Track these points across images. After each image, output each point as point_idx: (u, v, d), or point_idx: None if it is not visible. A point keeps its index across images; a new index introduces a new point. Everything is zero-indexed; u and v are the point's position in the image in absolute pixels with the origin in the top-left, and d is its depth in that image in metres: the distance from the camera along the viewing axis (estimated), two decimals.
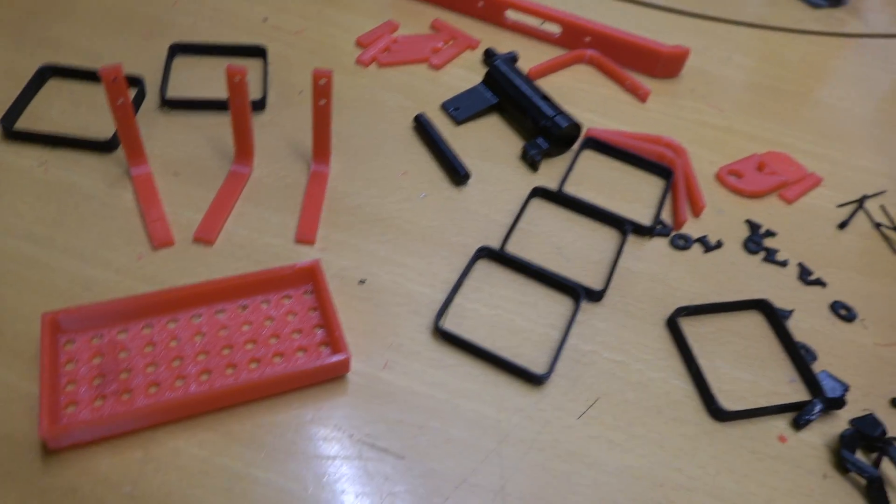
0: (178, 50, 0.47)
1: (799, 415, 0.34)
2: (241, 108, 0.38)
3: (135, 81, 0.43)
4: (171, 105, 0.43)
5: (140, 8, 0.50)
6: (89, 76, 0.43)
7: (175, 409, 0.30)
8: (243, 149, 0.40)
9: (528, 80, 0.47)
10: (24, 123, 0.40)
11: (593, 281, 0.39)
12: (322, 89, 0.38)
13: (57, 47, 0.46)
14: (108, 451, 0.29)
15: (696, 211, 0.44)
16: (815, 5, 0.69)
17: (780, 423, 0.34)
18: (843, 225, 0.45)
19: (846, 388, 0.36)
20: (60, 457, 0.28)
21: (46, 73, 0.43)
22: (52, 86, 0.43)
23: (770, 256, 0.42)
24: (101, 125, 0.41)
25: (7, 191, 0.37)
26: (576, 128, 0.45)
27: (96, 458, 0.28)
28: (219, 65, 0.47)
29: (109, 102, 0.36)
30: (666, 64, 0.53)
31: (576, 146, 0.46)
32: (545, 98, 0.46)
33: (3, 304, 0.33)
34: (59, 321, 0.31)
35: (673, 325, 0.37)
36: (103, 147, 0.40)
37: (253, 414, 0.31)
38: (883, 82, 0.60)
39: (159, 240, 0.36)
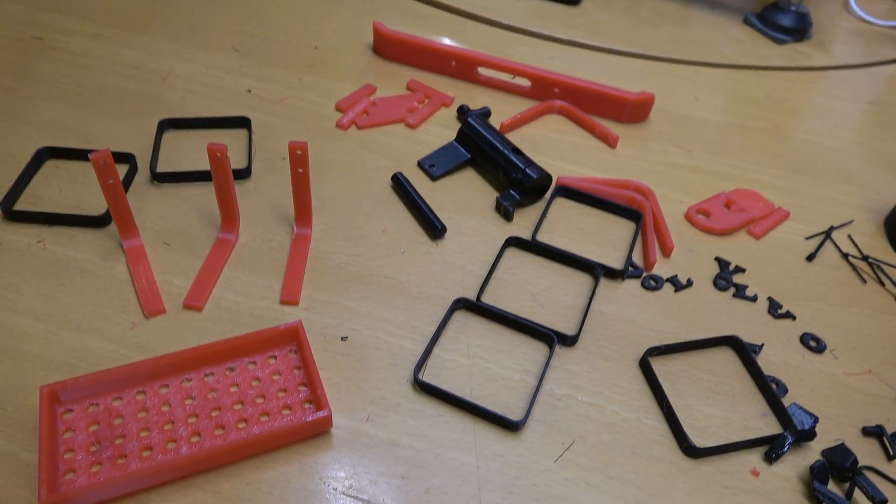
0: (167, 125, 0.49)
1: (770, 448, 0.35)
2: (224, 181, 0.40)
3: (126, 158, 0.46)
4: (161, 178, 0.46)
5: (131, 86, 0.53)
6: (84, 155, 0.46)
7: (168, 472, 0.31)
8: (228, 217, 0.42)
9: (499, 134, 0.50)
10: (23, 204, 0.43)
11: (568, 326, 0.40)
12: (299, 159, 0.40)
13: (53, 129, 0.49)
14: None
15: (666, 252, 0.46)
16: (780, 41, 0.72)
17: (753, 458, 0.35)
18: (811, 257, 0.47)
19: (816, 420, 0.37)
20: None
21: (44, 155, 0.46)
22: (50, 166, 0.46)
23: (740, 292, 0.44)
24: (97, 201, 0.44)
25: (7, 269, 0.39)
26: (547, 178, 0.47)
27: None
28: (206, 137, 0.50)
29: (100, 183, 0.38)
30: (633, 110, 0.56)
31: (548, 194, 0.48)
32: (516, 151, 0.48)
33: (4, 378, 0.34)
34: (56, 393, 0.32)
35: (645, 366, 0.38)
36: (97, 222, 0.42)
37: (242, 472, 0.32)
38: (849, 113, 0.62)
39: (151, 309, 0.38)
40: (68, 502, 0.29)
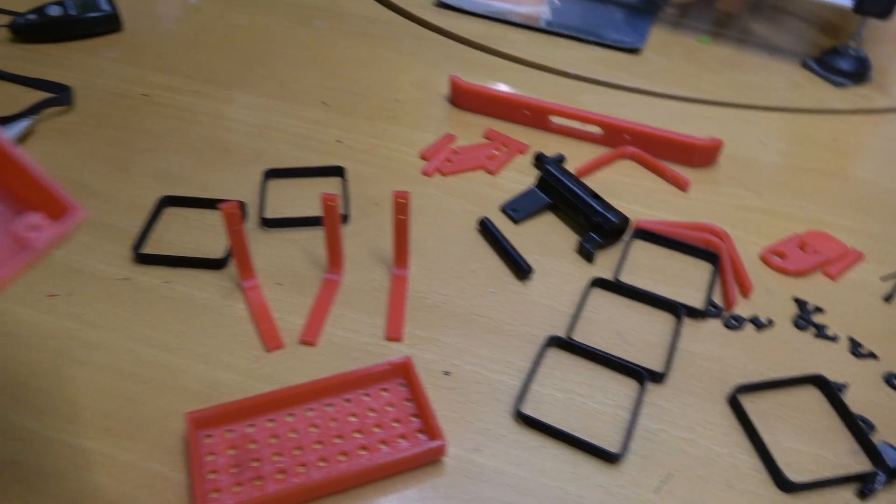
0: (271, 174, 0.54)
1: (863, 485, 0.37)
2: (334, 227, 0.44)
3: (239, 205, 0.50)
4: (269, 224, 0.50)
5: (234, 138, 0.58)
6: (199, 203, 0.50)
7: (301, 494, 0.34)
8: (335, 259, 0.46)
9: (577, 180, 0.53)
10: (149, 248, 0.47)
11: (654, 363, 0.43)
12: (401, 207, 0.44)
13: (168, 178, 0.53)
14: None
15: (745, 292, 0.48)
16: (839, 84, 0.74)
17: (846, 494, 0.37)
18: (888, 298, 0.48)
19: None
20: None
21: (164, 203, 0.50)
22: (169, 213, 0.50)
23: (820, 332, 0.45)
24: (212, 244, 0.48)
25: (142, 308, 0.43)
26: (626, 221, 0.50)
27: None
28: (306, 184, 0.54)
29: (227, 230, 0.42)
30: (702, 155, 0.58)
31: (626, 237, 0.51)
32: (595, 196, 0.51)
33: (147, 405, 0.38)
34: (199, 419, 0.36)
35: (734, 402, 0.40)
36: (217, 265, 0.46)
37: (365, 496, 0.35)
38: None
39: (272, 344, 0.42)
40: None
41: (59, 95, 0.59)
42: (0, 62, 0.64)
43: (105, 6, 0.70)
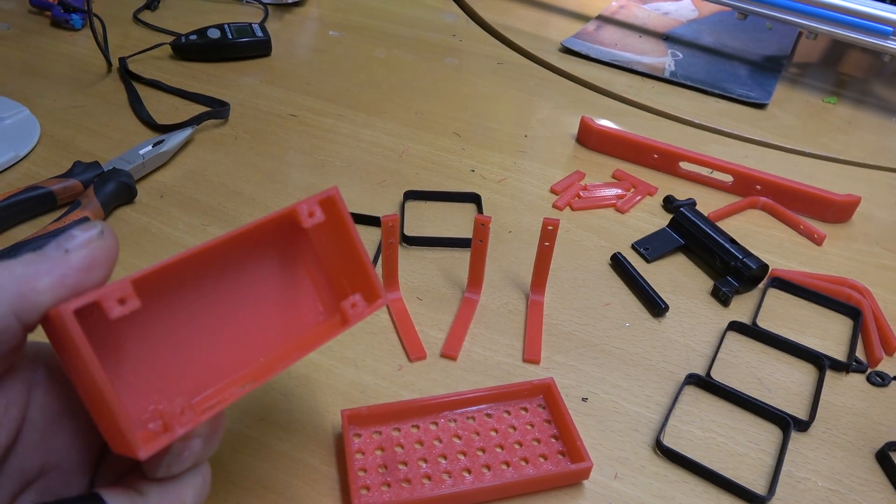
0: (410, 195, 0.56)
1: None
2: (481, 248, 0.46)
3: (378, 222, 0.53)
4: (410, 242, 0.52)
5: (373, 160, 0.61)
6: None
7: (447, 500, 0.35)
8: (475, 280, 0.47)
9: (713, 224, 0.53)
10: None
11: (796, 411, 0.42)
12: (549, 234, 0.45)
13: (314, 192, 0.56)
14: None
15: (889, 350, 0.46)
16: None
17: None
18: None
19: None
20: None
21: None
22: None
23: None
24: None
25: None
26: (764, 268, 0.50)
27: None
28: (443, 208, 0.56)
29: (383, 241, 0.44)
30: (838, 210, 0.58)
31: (762, 285, 0.51)
32: (732, 241, 0.51)
33: (300, 400, 0.40)
34: (353, 417, 0.38)
35: (883, 459, 0.39)
36: None
37: None
38: None
39: (415, 354, 0.43)
40: None
41: (218, 109, 0.64)
42: (162, 76, 0.70)
43: (259, 32, 0.76)
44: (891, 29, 0.71)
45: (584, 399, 0.42)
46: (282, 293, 0.33)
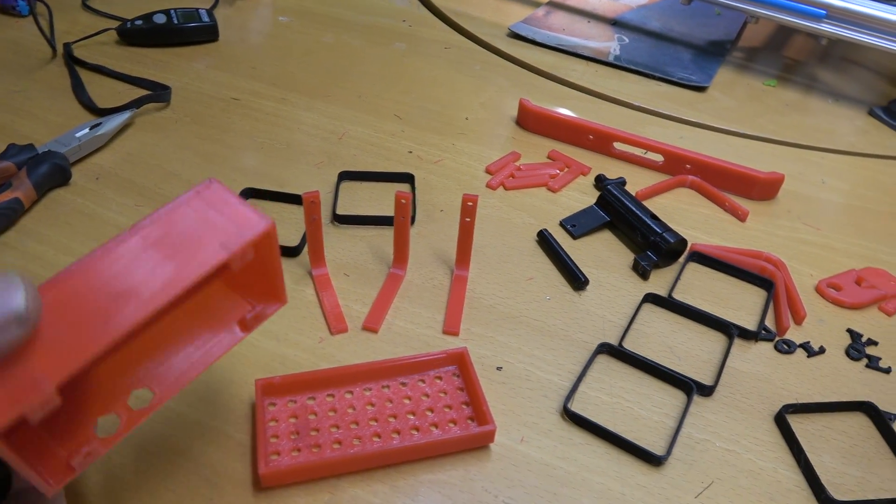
0: (344, 176, 0.57)
1: None
2: (404, 224, 0.47)
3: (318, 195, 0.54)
4: (340, 220, 0.53)
5: (313, 142, 0.62)
6: (278, 197, 0.54)
7: (354, 463, 0.36)
8: (400, 255, 0.49)
9: (637, 201, 0.54)
10: None
11: (704, 377, 0.43)
12: (469, 210, 0.46)
13: (251, 174, 0.57)
14: (302, 492, 0.35)
15: (798, 320, 0.48)
16: None
17: None
18: None
19: None
20: (267, 493, 0.35)
21: (247, 194, 0.54)
22: (251, 203, 0.54)
23: (873, 363, 0.45)
24: (288, 235, 0.51)
25: None
26: (682, 242, 0.52)
27: (293, 498, 0.35)
28: (376, 188, 0.57)
29: (305, 218, 0.45)
30: (762, 188, 0.59)
31: (682, 259, 0.52)
32: (653, 217, 0.53)
33: (219, 372, 0.41)
34: (266, 386, 0.39)
35: (781, 421, 0.41)
36: (291, 252, 0.49)
37: (414, 472, 0.37)
38: None
39: (336, 327, 0.44)
40: (276, 478, 0.35)
41: (159, 93, 0.65)
42: (107, 61, 0.71)
43: (206, 18, 0.76)
44: (824, 12, 0.73)
45: (499, 368, 0.43)
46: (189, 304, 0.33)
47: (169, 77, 0.70)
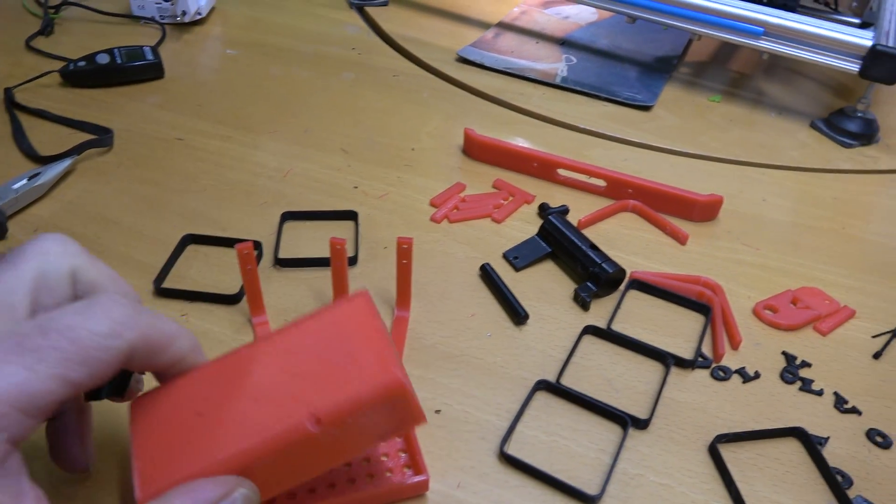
0: (287, 216, 0.57)
1: None
2: (340, 269, 0.47)
3: (255, 245, 0.54)
4: (283, 264, 0.53)
5: (258, 181, 0.62)
6: (219, 242, 0.54)
7: None
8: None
9: (577, 231, 0.55)
10: (169, 283, 0.51)
11: (640, 410, 0.44)
12: (405, 252, 0.47)
13: (194, 218, 0.57)
14: None
15: (734, 344, 0.49)
16: (846, 145, 0.75)
17: None
18: (877, 355, 0.49)
19: None
20: None
21: (187, 241, 0.54)
22: (191, 250, 0.54)
23: (806, 386, 0.46)
24: (230, 281, 0.51)
25: None
26: (621, 272, 0.52)
27: None
28: (320, 227, 0.57)
29: (241, 269, 0.45)
30: (702, 210, 0.60)
31: (622, 287, 0.53)
32: (593, 247, 0.53)
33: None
34: None
35: (714, 452, 0.42)
36: (230, 300, 0.49)
37: None
38: None
39: None
40: None
41: (101, 137, 0.64)
42: (50, 104, 0.70)
43: (150, 56, 0.76)
44: (762, 29, 0.74)
45: (438, 411, 0.43)
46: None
47: (113, 118, 0.69)
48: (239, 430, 0.30)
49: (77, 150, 0.62)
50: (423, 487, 0.38)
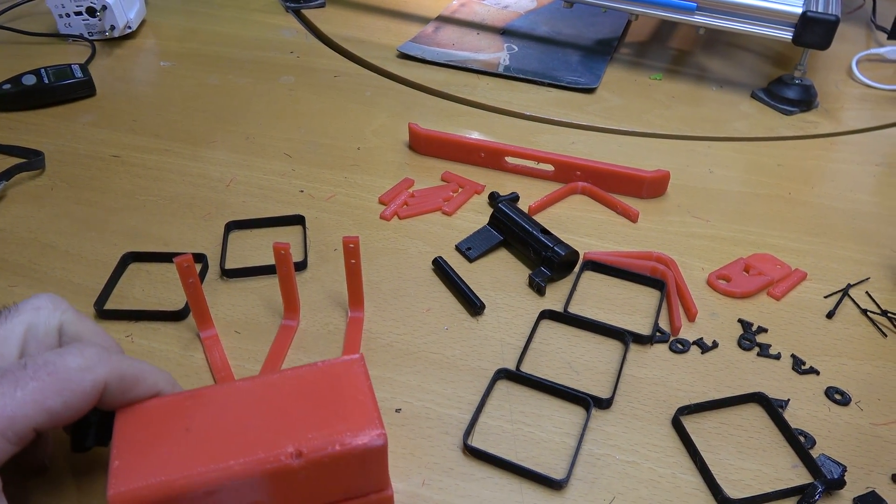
0: (232, 226, 0.56)
1: (802, 498, 0.38)
2: (287, 274, 0.46)
3: (199, 258, 0.52)
4: (229, 274, 0.51)
5: (199, 193, 0.60)
6: (162, 258, 0.52)
7: None
8: (290, 306, 0.47)
9: (528, 217, 0.55)
10: (112, 304, 0.49)
11: (602, 390, 0.44)
12: (352, 252, 0.45)
13: (134, 236, 0.55)
14: None
15: (691, 316, 0.49)
16: (787, 112, 0.76)
17: None
18: (830, 314, 0.50)
19: (844, 469, 0.39)
20: None
21: (128, 259, 0.52)
22: (133, 268, 0.52)
23: (763, 351, 0.47)
24: (175, 297, 0.49)
25: None
26: (574, 254, 0.52)
27: None
28: (267, 234, 0.56)
29: (182, 282, 0.44)
30: (651, 186, 0.61)
31: (576, 269, 0.53)
32: (544, 231, 0.53)
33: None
34: None
35: (677, 424, 0.41)
36: (176, 316, 0.48)
37: None
38: (859, 175, 0.66)
39: None
40: None
41: (31, 160, 0.62)
42: None
43: (79, 73, 0.73)
44: (694, 4, 0.75)
45: (398, 410, 0.42)
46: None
47: (43, 140, 0.66)
48: (223, 449, 0.31)
49: (6, 175, 0.60)
50: (388, 502, 0.37)
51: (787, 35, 0.73)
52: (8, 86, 0.71)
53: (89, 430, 0.35)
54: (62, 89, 0.72)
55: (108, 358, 0.31)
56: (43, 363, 0.29)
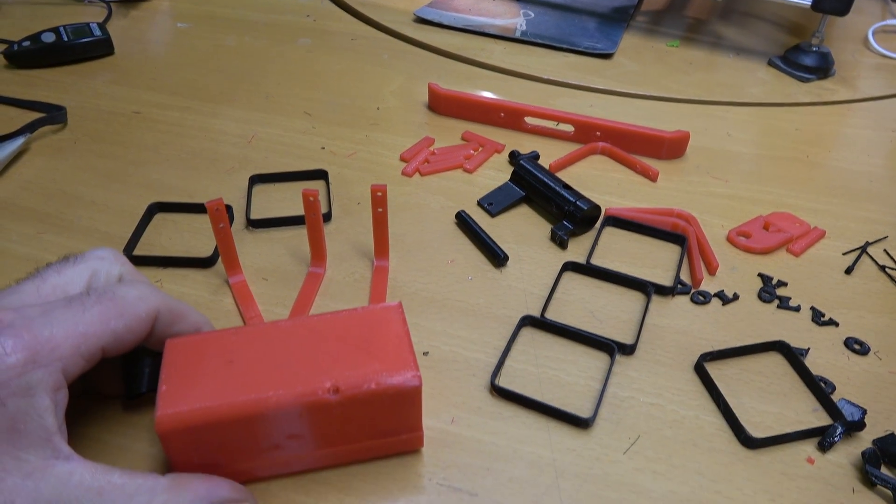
0: (256, 180, 0.56)
1: (823, 438, 0.38)
2: (315, 221, 0.46)
3: (226, 208, 0.52)
4: (255, 224, 0.52)
5: (221, 149, 0.61)
6: (188, 208, 0.53)
7: (288, 465, 0.36)
8: (317, 254, 0.48)
9: (550, 173, 0.55)
10: (140, 250, 0.50)
11: (625, 337, 0.45)
12: (379, 200, 0.46)
13: (159, 188, 0.56)
14: None
15: (711, 270, 0.50)
16: (804, 79, 0.76)
17: (807, 447, 0.38)
18: (849, 270, 0.50)
19: (864, 412, 0.40)
20: None
21: (154, 209, 0.53)
22: (159, 218, 0.53)
23: (783, 303, 0.47)
24: (201, 246, 0.50)
25: None
26: (596, 208, 0.52)
27: None
28: (290, 188, 0.56)
29: (213, 227, 0.44)
30: (670, 147, 0.61)
31: (598, 224, 0.53)
32: (566, 186, 0.53)
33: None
34: None
35: (700, 369, 0.42)
36: (205, 263, 0.48)
37: (349, 467, 0.37)
38: (875, 140, 0.66)
39: None
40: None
41: (53, 114, 0.62)
42: None
43: (97, 32, 0.73)
44: None
45: (426, 353, 0.43)
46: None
47: (64, 97, 0.67)
48: (264, 381, 0.32)
49: (29, 127, 0.60)
50: (417, 442, 0.38)
51: (806, 1, 0.73)
52: (27, 43, 0.71)
53: (143, 377, 0.37)
54: (81, 47, 0.72)
55: (158, 292, 0.34)
56: (104, 291, 0.32)
